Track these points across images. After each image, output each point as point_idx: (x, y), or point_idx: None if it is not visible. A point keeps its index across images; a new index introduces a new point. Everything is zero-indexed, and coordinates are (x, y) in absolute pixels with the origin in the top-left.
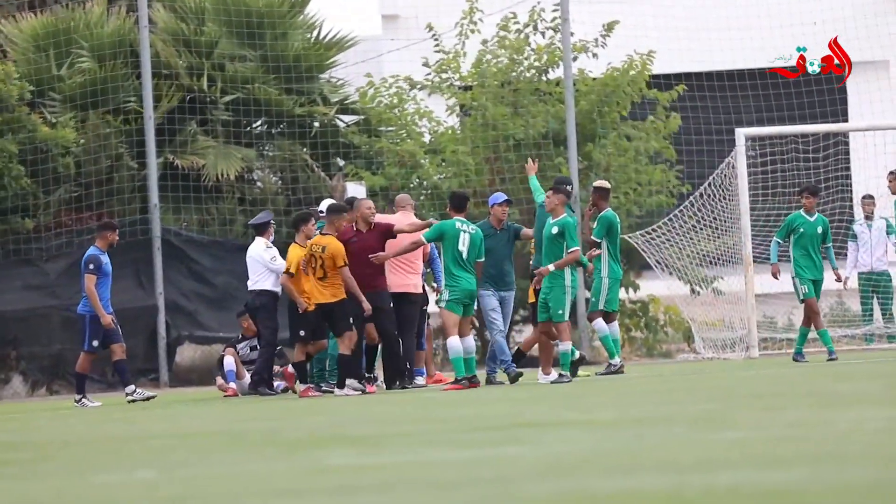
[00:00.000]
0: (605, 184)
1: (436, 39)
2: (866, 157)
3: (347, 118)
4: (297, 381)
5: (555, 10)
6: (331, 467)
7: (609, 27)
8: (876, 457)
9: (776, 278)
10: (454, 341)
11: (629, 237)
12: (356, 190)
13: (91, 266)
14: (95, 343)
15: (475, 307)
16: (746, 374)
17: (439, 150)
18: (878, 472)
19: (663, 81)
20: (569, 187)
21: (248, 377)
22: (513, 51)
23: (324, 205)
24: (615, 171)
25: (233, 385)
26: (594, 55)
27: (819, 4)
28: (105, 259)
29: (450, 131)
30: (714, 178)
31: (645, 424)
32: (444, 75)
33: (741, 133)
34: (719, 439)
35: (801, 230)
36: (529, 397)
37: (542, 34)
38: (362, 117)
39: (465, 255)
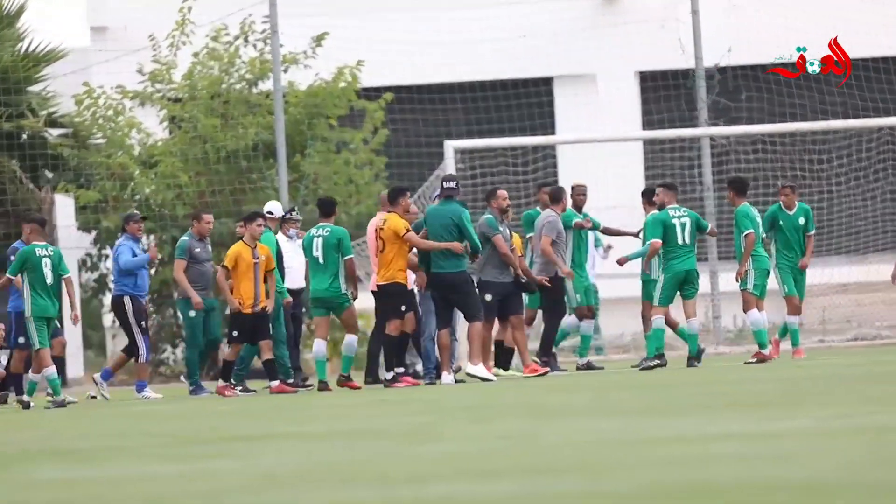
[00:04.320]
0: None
1: (154, 49)
2: (574, 169)
3: (56, 131)
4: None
5: (265, 22)
6: (41, 482)
7: (318, 39)
8: (587, 468)
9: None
10: None
11: None
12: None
13: None
14: (21, 340)
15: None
16: (454, 386)
17: (151, 163)
18: (590, 483)
19: (374, 94)
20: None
21: None
22: (224, 62)
23: (270, 206)
24: (323, 182)
25: None
26: (306, 66)
27: (529, 20)
28: None
29: (160, 143)
30: (423, 190)
31: (356, 437)
32: (157, 85)
33: (450, 145)
34: (430, 452)
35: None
36: (241, 410)
37: (254, 46)
38: (70, 130)
39: (48, 280)
